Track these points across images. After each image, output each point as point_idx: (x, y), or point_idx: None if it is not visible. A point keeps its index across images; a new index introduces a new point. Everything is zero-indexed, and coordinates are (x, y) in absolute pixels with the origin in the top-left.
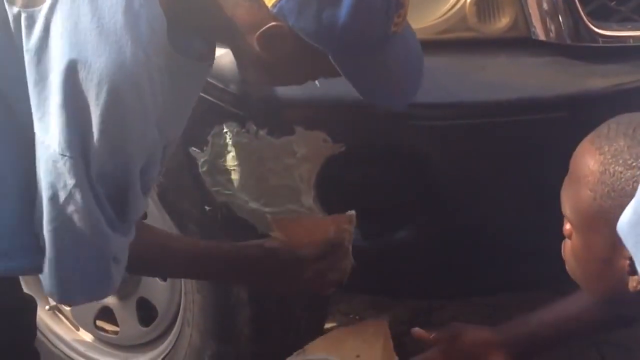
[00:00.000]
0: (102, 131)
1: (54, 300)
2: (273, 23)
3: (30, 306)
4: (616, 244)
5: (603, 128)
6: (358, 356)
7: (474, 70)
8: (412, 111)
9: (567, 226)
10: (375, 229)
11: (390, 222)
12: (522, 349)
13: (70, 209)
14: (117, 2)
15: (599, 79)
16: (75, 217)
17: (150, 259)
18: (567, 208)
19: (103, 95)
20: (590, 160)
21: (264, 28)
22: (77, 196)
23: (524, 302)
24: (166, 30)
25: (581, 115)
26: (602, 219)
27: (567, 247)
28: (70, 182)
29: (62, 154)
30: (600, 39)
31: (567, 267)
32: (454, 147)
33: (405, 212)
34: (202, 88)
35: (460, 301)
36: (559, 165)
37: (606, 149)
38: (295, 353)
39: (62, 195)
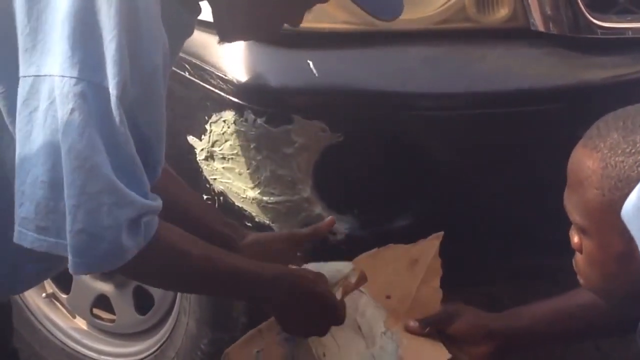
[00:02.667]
0: (116, 38)
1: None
2: None
3: (4, 306)
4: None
5: (592, 130)
6: (388, 297)
7: (472, 60)
8: (411, 101)
9: (576, 239)
10: (373, 218)
11: (388, 211)
12: (514, 341)
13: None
14: None
15: (597, 71)
16: (70, 153)
17: (164, 265)
18: (575, 215)
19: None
20: (589, 161)
21: None
22: (74, 122)
23: (521, 292)
24: None
25: (579, 107)
26: (615, 213)
27: (580, 259)
28: (68, 107)
29: (62, 76)
30: (598, 31)
31: (581, 280)
32: (452, 137)
33: (402, 202)
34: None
35: (457, 291)
36: (557, 156)
37: (602, 146)
38: None
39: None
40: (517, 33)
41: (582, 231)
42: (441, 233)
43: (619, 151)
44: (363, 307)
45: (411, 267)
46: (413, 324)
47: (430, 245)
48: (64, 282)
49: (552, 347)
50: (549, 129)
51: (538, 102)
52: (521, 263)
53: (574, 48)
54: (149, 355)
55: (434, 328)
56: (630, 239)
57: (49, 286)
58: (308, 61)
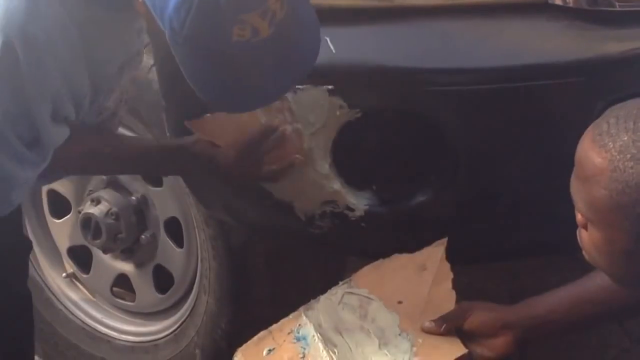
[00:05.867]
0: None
1: None
2: None
3: (24, 247)
4: (639, 234)
5: (602, 124)
6: (400, 302)
7: (490, 35)
8: (429, 76)
9: (580, 217)
10: (392, 194)
11: (407, 187)
12: (532, 330)
13: None
14: None
15: (616, 44)
16: None
17: (83, 165)
18: (581, 205)
19: None
20: (597, 159)
21: None
22: None
23: (541, 268)
24: None
25: (598, 80)
26: (622, 214)
27: (585, 238)
28: None
29: None
30: (617, 3)
31: (586, 256)
32: (471, 112)
33: (421, 178)
34: (133, 34)
35: (477, 267)
36: (576, 130)
37: (611, 146)
38: (341, 282)
39: None
40: (535, 7)
41: (588, 219)
42: (445, 239)
43: (629, 156)
44: (373, 313)
45: (420, 273)
46: (429, 324)
47: (435, 251)
48: (84, 262)
49: (574, 333)
50: (567, 102)
51: (556, 76)
52: (541, 238)
53: (592, 21)
54: (169, 334)
55: (450, 325)
56: (636, 237)
57: (69, 266)
58: (325, 38)
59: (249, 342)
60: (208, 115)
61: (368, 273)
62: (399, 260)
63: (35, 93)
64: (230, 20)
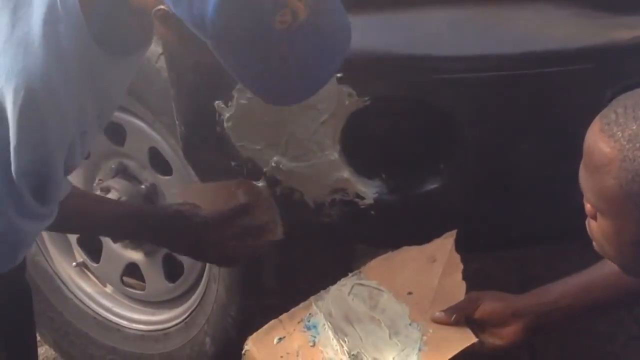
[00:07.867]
0: (20, 131)
1: None
2: (160, 7)
3: (25, 295)
4: None
5: (609, 113)
6: (410, 293)
7: (499, 22)
8: (438, 64)
9: (589, 206)
10: (401, 182)
11: (416, 175)
12: (542, 318)
13: None
14: (37, 15)
15: (625, 30)
16: None
17: (74, 222)
18: (590, 196)
19: (19, 99)
20: (606, 148)
21: (153, 10)
22: None
23: (550, 256)
24: (87, 36)
25: (607, 67)
26: (631, 203)
27: (595, 228)
28: None
29: None
30: None
31: (596, 247)
32: (480, 99)
33: (430, 166)
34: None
35: (487, 255)
36: (585, 117)
37: (619, 135)
38: (351, 274)
39: None
40: None
41: (597, 209)
42: (455, 231)
43: (638, 145)
44: (383, 304)
45: (429, 265)
46: (439, 314)
47: (445, 243)
48: (94, 251)
49: (584, 321)
50: (577, 89)
51: (565, 63)
52: (551, 226)
53: (601, 8)
54: (179, 323)
55: (460, 315)
56: None
57: (79, 255)
58: None
59: (259, 331)
60: (192, 183)
61: (377, 265)
62: (409, 253)
63: (57, 145)
64: (272, 8)
